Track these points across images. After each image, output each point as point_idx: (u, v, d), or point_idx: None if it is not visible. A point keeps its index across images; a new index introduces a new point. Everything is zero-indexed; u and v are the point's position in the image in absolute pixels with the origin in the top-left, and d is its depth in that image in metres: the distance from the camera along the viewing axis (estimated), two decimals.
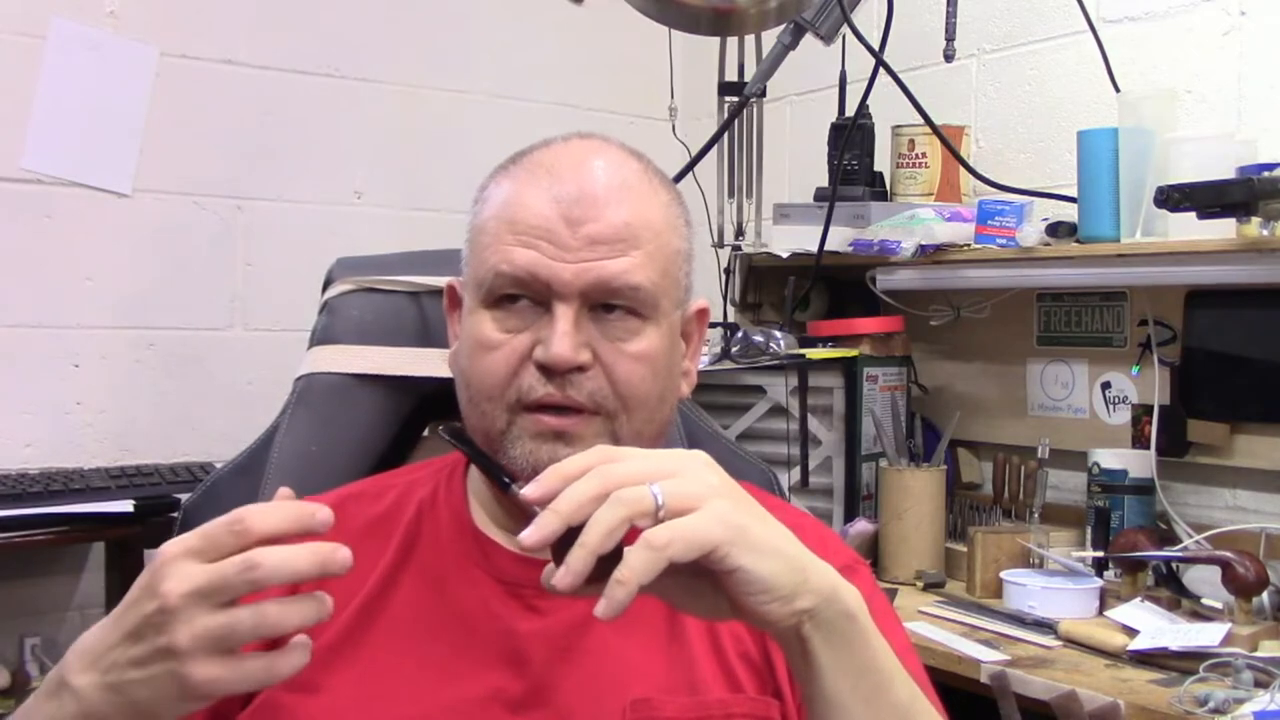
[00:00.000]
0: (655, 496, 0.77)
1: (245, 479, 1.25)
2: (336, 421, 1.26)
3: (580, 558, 0.74)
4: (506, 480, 0.92)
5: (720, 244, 2.54)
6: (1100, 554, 1.91)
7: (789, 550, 0.80)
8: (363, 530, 1.02)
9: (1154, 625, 1.69)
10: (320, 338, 1.31)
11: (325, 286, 1.35)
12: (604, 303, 0.96)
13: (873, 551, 2.15)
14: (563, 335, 0.93)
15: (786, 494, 1.77)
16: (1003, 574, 1.94)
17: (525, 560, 0.98)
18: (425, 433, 1.35)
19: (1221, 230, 1.78)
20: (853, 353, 2.21)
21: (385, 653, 0.96)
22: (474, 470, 1.04)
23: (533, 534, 0.76)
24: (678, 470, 0.79)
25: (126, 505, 2.12)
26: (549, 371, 0.94)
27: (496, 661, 0.95)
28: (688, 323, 1.05)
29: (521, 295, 0.96)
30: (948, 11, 2.21)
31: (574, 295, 0.95)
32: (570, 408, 0.95)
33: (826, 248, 2.27)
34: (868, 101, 2.35)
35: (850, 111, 2.41)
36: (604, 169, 0.99)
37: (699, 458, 0.82)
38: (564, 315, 0.94)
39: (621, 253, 0.96)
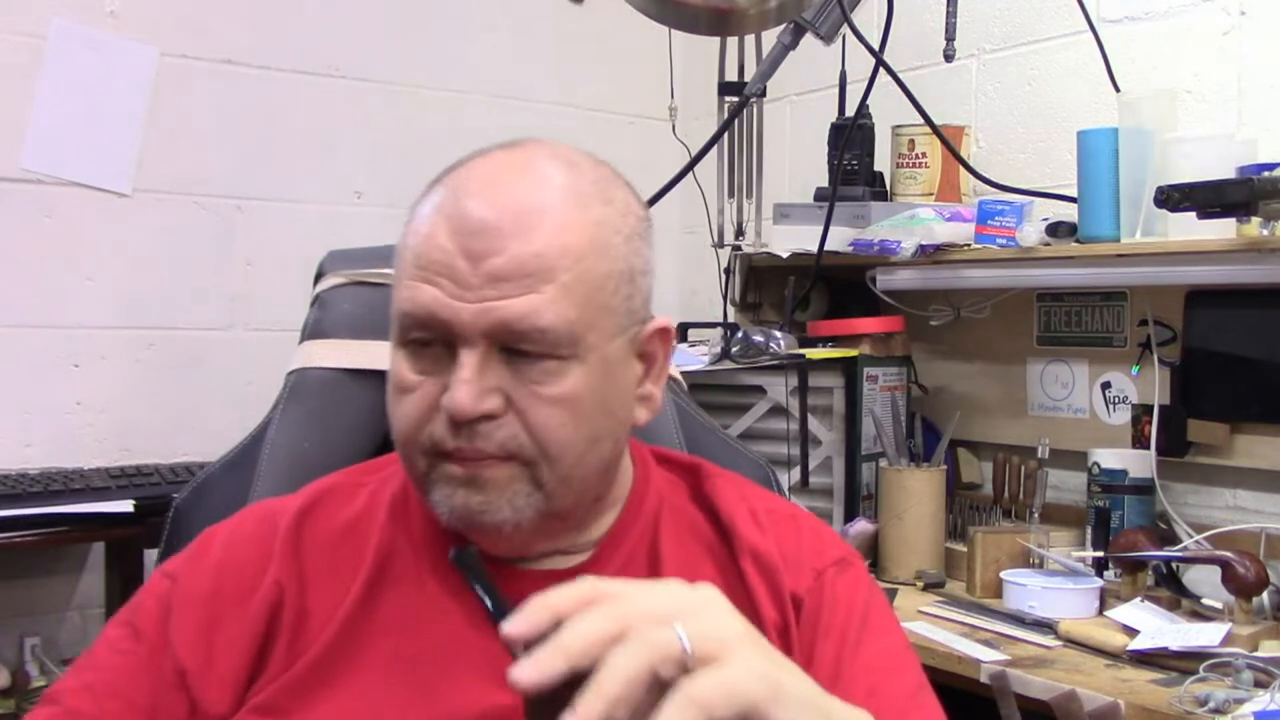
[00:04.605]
0: (683, 640, 0.66)
1: (236, 476, 1.23)
2: (328, 417, 1.24)
3: (597, 709, 0.62)
4: (495, 615, 0.75)
5: (720, 244, 2.54)
6: (1100, 554, 1.91)
7: (817, 699, 0.73)
8: (336, 537, 0.97)
9: (1154, 625, 1.69)
10: (311, 332, 1.29)
11: (317, 279, 1.34)
12: (512, 345, 0.87)
13: (873, 551, 2.15)
14: (462, 384, 0.85)
15: (786, 493, 1.77)
16: (1003, 574, 1.94)
17: (506, 569, 0.94)
18: None
19: (1221, 230, 1.78)
20: (853, 353, 2.21)
21: (368, 676, 0.91)
22: None
23: (530, 672, 0.64)
24: (694, 609, 0.70)
25: (126, 505, 2.12)
26: (456, 421, 0.86)
27: (483, 681, 0.90)
28: (646, 343, 0.95)
29: (431, 336, 0.88)
30: (948, 11, 2.21)
31: (477, 337, 0.86)
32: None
33: (826, 248, 2.27)
34: (868, 101, 2.35)
35: (850, 111, 2.41)
36: (516, 192, 0.89)
37: (710, 594, 0.73)
38: (467, 361, 0.86)
39: (528, 289, 0.86)
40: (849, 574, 0.99)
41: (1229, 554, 1.70)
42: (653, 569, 0.97)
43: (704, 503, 1.02)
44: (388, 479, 1.00)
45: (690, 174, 2.19)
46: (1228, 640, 1.60)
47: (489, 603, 0.78)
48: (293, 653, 0.92)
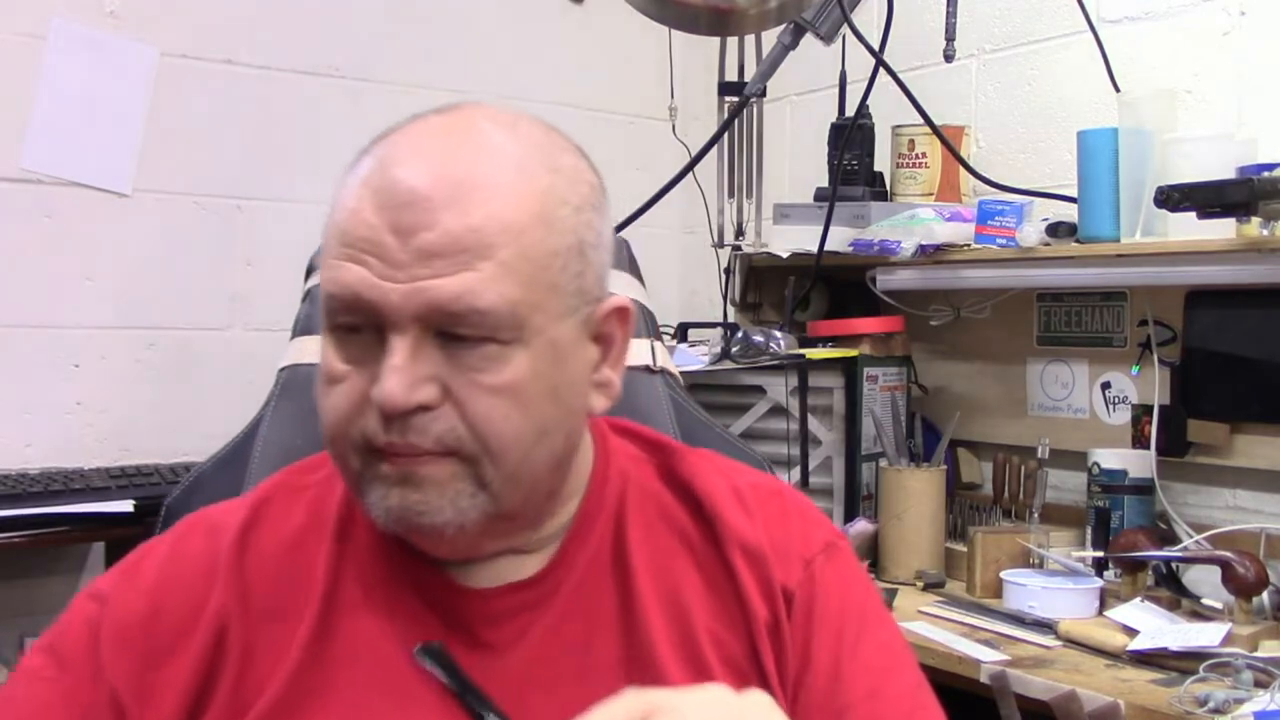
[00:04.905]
0: None
1: (228, 473, 1.22)
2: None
3: None
4: (476, 713, 0.72)
5: (720, 244, 2.54)
6: (1100, 554, 1.91)
7: None
8: (282, 556, 0.89)
9: (1154, 625, 1.69)
10: (303, 328, 1.28)
11: (308, 274, 1.33)
12: (448, 329, 0.79)
13: (873, 551, 2.15)
14: (392, 372, 0.77)
15: None
16: (1003, 574, 1.94)
17: (458, 590, 0.88)
18: None
19: (1221, 230, 1.78)
20: (853, 353, 2.21)
21: (333, 712, 0.84)
22: None
23: None
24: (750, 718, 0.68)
25: (126, 505, 2.12)
26: (387, 414, 0.79)
27: (448, 712, 0.83)
28: (602, 324, 0.87)
29: (359, 321, 0.80)
30: (948, 11, 2.21)
31: (408, 321, 0.78)
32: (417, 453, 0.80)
33: (826, 248, 2.27)
34: (868, 101, 2.35)
35: (850, 111, 2.41)
36: (451, 159, 0.80)
37: (761, 699, 0.71)
38: (398, 347, 0.78)
39: (463, 266, 0.77)
40: (837, 560, 0.95)
41: (1229, 554, 1.70)
42: (620, 570, 0.90)
43: (676, 483, 0.95)
44: (330, 478, 0.92)
45: (690, 174, 2.19)
46: (1228, 640, 1.60)
47: (468, 700, 0.75)
48: (238, 699, 0.84)
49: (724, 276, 2.56)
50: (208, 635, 0.86)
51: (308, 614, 0.86)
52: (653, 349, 1.31)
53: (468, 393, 0.79)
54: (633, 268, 1.38)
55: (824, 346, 2.24)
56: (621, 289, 1.32)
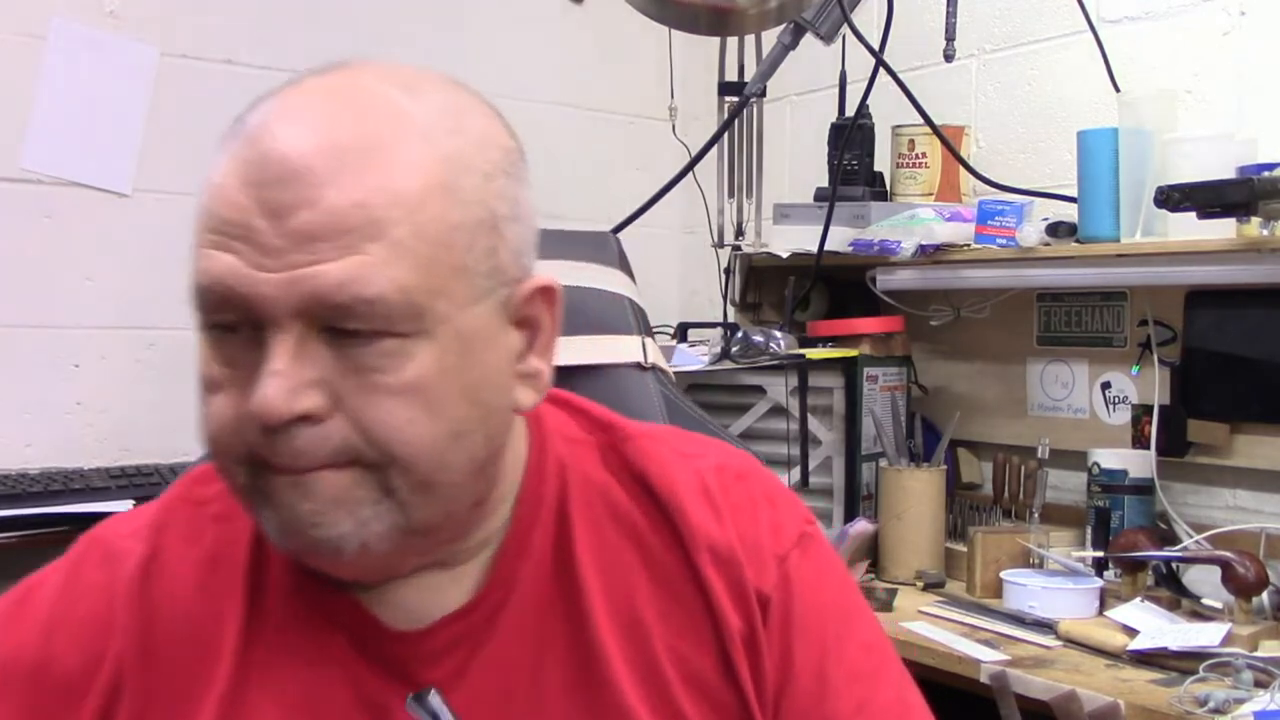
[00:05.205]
0: None
1: None
2: None
3: None
4: None
5: (720, 244, 2.54)
6: (1100, 554, 1.91)
7: None
8: (193, 586, 0.79)
9: (1154, 625, 1.69)
10: None
11: None
12: (336, 324, 0.68)
13: (873, 551, 2.15)
14: (269, 377, 0.67)
15: None
16: (1003, 574, 1.94)
17: (385, 631, 0.78)
18: None
19: (1221, 230, 1.78)
20: (853, 353, 2.21)
21: None
22: None
23: None
24: None
25: (126, 505, 2.12)
26: (266, 425, 0.68)
27: None
28: (525, 306, 0.76)
29: (235, 318, 0.69)
30: (948, 11, 2.21)
31: (287, 317, 0.67)
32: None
33: (826, 248, 2.27)
34: (868, 101, 2.35)
35: (850, 111, 2.41)
36: (332, 124, 0.69)
37: None
38: (278, 348, 0.67)
39: (348, 250, 0.67)
40: (812, 553, 0.86)
41: (1229, 554, 1.70)
42: (566, 583, 0.81)
43: (627, 472, 0.85)
44: (230, 493, 0.78)
45: (690, 174, 2.18)
46: (1228, 640, 1.60)
47: None
48: None
49: (724, 276, 2.56)
50: (103, 693, 0.77)
51: (220, 674, 0.77)
52: (644, 345, 1.30)
53: (363, 399, 0.69)
54: (623, 263, 1.38)
55: (824, 346, 2.24)
56: (612, 286, 1.33)
